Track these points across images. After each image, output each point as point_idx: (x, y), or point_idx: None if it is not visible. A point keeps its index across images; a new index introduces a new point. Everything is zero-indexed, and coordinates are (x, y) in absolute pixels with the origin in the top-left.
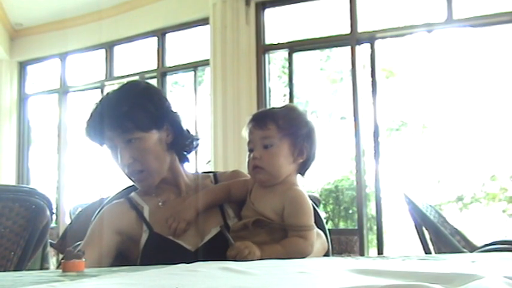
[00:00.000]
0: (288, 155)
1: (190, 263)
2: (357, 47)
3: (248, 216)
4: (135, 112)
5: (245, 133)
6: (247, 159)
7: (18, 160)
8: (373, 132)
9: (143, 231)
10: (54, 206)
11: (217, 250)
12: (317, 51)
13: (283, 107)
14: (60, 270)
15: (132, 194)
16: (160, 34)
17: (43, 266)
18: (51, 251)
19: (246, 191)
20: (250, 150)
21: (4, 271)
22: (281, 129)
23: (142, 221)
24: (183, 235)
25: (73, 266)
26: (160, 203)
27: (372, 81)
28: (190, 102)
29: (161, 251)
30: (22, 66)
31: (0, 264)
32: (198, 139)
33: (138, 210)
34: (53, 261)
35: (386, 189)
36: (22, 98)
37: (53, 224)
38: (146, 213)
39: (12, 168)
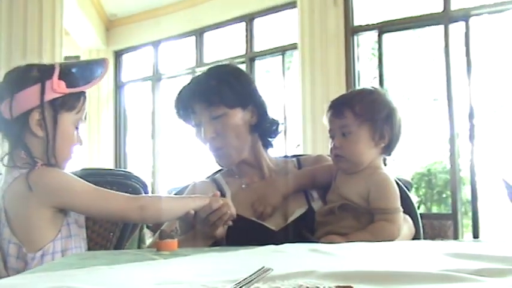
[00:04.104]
0: (369, 141)
1: (274, 242)
2: (450, 26)
3: (333, 201)
4: (221, 87)
5: (325, 121)
6: (329, 147)
7: (116, 145)
8: (468, 113)
9: None
10: (149, 190)
11: (300, 231)
12: (408, 32)
13: (359, 90)
14: (155, 250)
15: (217, 175)
16: (248, 19)
17: (140, 246)
18: (147, 233)
19: (331, 176)
20: (332, 138)
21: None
22: (358, 115)
23: None
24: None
25: (167, 245)
26: (243, 186)
27: (467, 61)
28: (279, 87)
29: (245, 231)
30: (117, 55)
31: (101, 244)
32: (281, 124)
33: (222, 192)
34: (149, 242)
35: (482, 173)
36: (118, 86)
37: None
38: (228, 196)
39: (110, 153)
